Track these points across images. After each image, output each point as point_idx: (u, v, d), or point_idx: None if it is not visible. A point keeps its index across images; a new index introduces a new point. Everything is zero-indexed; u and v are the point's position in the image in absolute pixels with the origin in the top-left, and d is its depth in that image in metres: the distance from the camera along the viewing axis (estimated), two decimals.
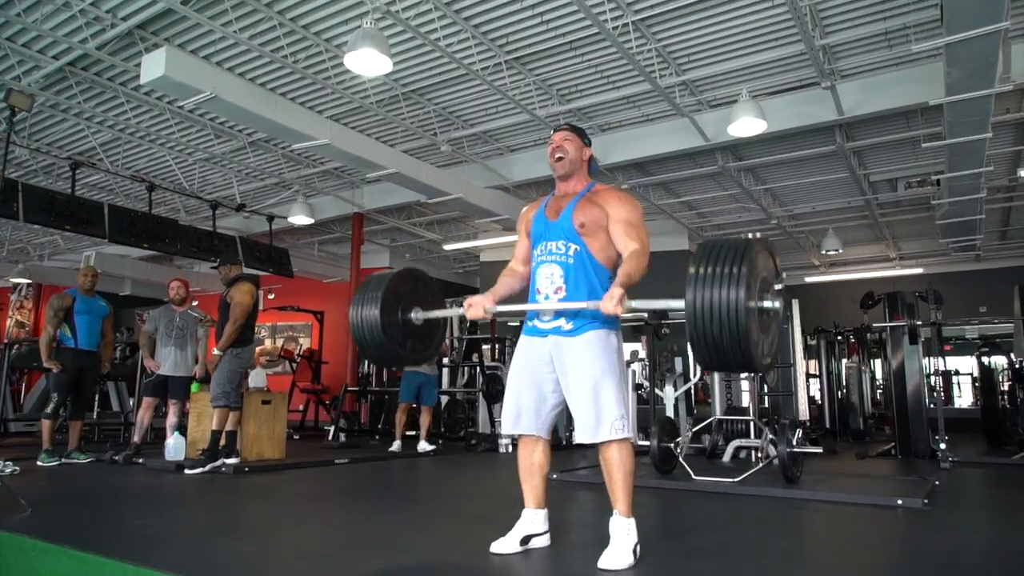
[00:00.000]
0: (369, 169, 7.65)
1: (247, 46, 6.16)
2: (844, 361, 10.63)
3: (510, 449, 7.44)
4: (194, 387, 6.04)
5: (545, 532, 2.61)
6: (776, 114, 7.06)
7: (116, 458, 5.65)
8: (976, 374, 11.82)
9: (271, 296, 13.31)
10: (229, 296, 5.30)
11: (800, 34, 5.85)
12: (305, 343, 13.93)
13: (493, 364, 9.25)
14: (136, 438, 5.94)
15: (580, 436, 2.44)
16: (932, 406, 6.60)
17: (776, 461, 4.34)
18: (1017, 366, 7.60)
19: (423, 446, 6.74)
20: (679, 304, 2.11)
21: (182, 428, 5.85)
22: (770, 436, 4.51)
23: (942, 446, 5.94)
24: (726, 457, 6.24)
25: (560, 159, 2.62)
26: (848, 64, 6.70)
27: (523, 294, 2.76)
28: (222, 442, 5.14)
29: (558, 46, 6.41)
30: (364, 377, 10.19)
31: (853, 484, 4.33)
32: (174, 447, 5.53)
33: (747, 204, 10.67)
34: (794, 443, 4.31)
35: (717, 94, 7.38)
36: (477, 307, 2.62)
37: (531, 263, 2.67)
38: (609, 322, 2.50)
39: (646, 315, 6.76)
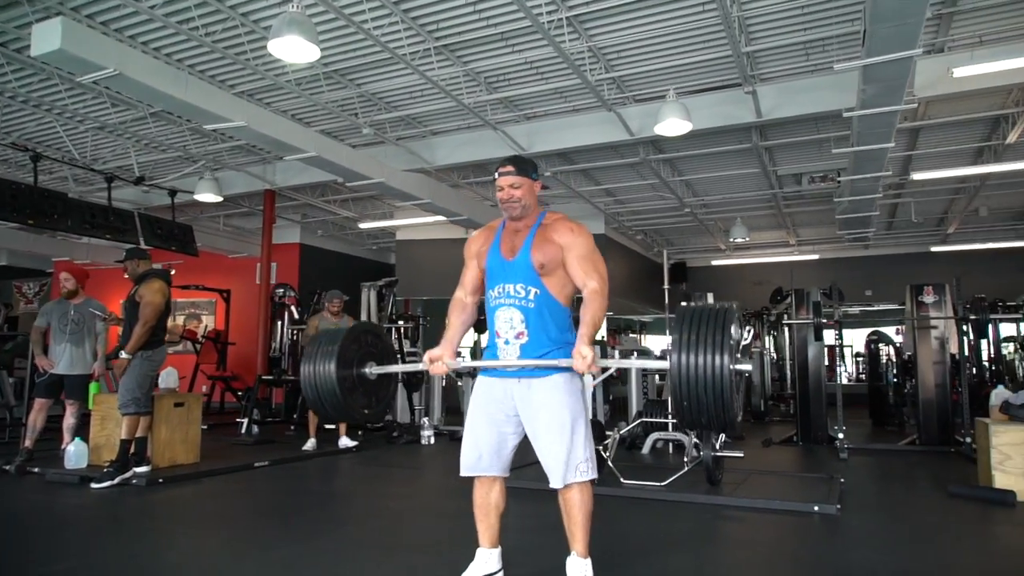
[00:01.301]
0: (286, 152, 7.25)
1: (150, 16, 5.66)
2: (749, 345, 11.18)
3: (432, 441, 7.40)
4: (93, 387, 5.63)
5: (499, 571, 2.60)
6: (698, 112, 7.20)
7: (7, 467, 5.20)
8: (860, 350, 12.82)
9: (172, 272, 12.51)
10: (138, 295, 4.92)
11: (728, 40, 5.97)
12: (208, 321, 13.27)
13: (412, 351, 9.15)
14: (28, 443, 5.50)
15: (553, 482, 2.44)
16: (830, 382, 7.09)
17: (688, 458, 4.62)
18: (905, 357, 8.23)
19: (344, 442, 6.59)
20: (660, 365, 2.16)
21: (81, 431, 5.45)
22: (695, 440, 4.69)
23: (840, 436, 6.38)
24: (645, 449, 6.48)
25: (514, 207, 2.52)
26: (767, 69, 6.93)
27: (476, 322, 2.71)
28: (131, 451, 4.82)
29: (489, 36, 6.25)
30: (276, 361, 9.82)
31: (770, 487, 4.59)
32: (75, 454, 5.14)
33: (663, 193, 10.94)
34: (718, 447, 4.50)
35: (643, 91, 7.46)
36: (439, 365, 2.53)
37: (486, 301, 2.61)
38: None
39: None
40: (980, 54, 5.88)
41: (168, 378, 5.54)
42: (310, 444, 6.44)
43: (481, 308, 2.70)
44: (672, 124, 6.61)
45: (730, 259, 15.35)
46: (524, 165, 2.56)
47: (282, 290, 10.10)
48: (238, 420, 7.53)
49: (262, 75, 6.74)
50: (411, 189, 9.01)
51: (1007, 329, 11.55)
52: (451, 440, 7.69)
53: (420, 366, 2.58)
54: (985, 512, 4.05)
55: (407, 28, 6.02)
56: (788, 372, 11.74)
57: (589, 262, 2.48)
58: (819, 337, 6.90)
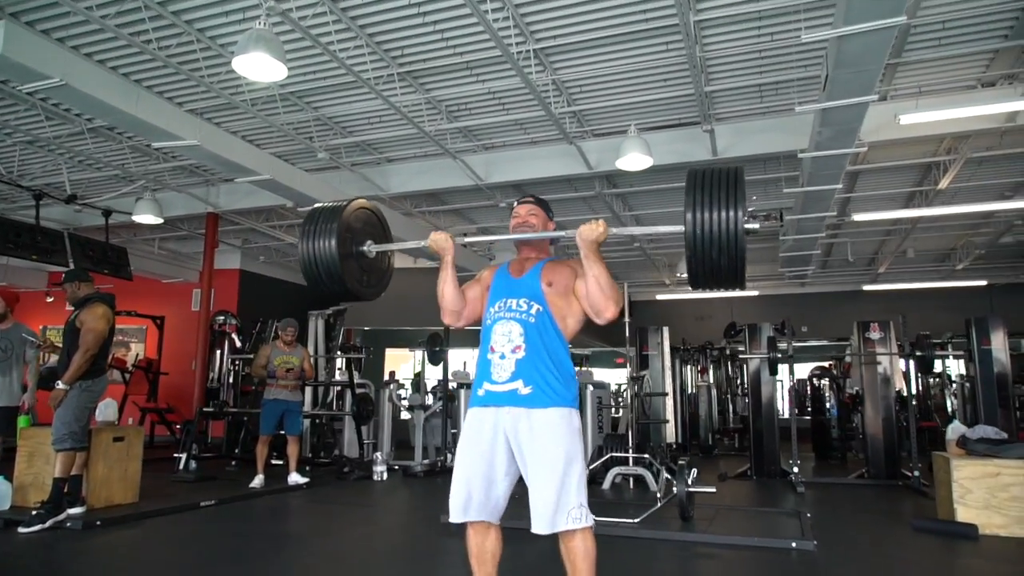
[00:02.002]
0: (239, 174, 6.99)
1: (100, 25, 5.36)
2: (695, 379, 11.34)
3: (384, 477, 7.12)
4: (22, 421, 5.17)
5: None
6: (655, 148, 7.29)
7: None
8: (794, 384, 13.22)
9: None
10: (79, 320, 4.56)
11: (692, 79, 6.12)
12: (137, 349, 12.55)
13: (361, 383, 8.86)
14: None
15: (536, 526, 2.30)
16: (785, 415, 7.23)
17: (660, 493, 4.55)
18: (853, 392, 8.47)
19: (295, 479, 6.24)
20: (673, 229, 2.25)
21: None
22: (666, 476, 4.64)
23: (795, 469, 6.47)
24: (606, 484, 6.40)
25: (523, 226, 2.60)
26: (722, 109, 7.12)
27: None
28: (65, 490, 4.41)
29: (455, 64, 6.21)
30: (214, 392, 9.31)
31: (742, 523, 4.57)
32: None
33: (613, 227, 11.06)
34: (690, 483, 4.46)
35: (602, 125, 7.55)
36: (444, 236, 2.57)
37: (483, 321, 2.55)
38: (570, 399, 2.40)
39: None
40: (924, 103, 6.20)
41: (107, 410, 5.15)
42: (258, 481, 6.08)
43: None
44: (633, 159, 6.69)
45: (674, 294, 15.62)
46: (543, 203, 2.68)
47: (222, 318, 9.65)
48: (175, 456, 7.06)
49: (217, 93, 6.47)
50: None
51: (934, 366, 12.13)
52: (404, 476, 7.43)
53: (424, 243, 2.63)
54: (950, 545, 4.13)
55: (371, 53, 5.92)
56: (731, 406, 11.99)
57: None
58: (774, 372, 7.03)
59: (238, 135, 7.58)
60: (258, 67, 4.72)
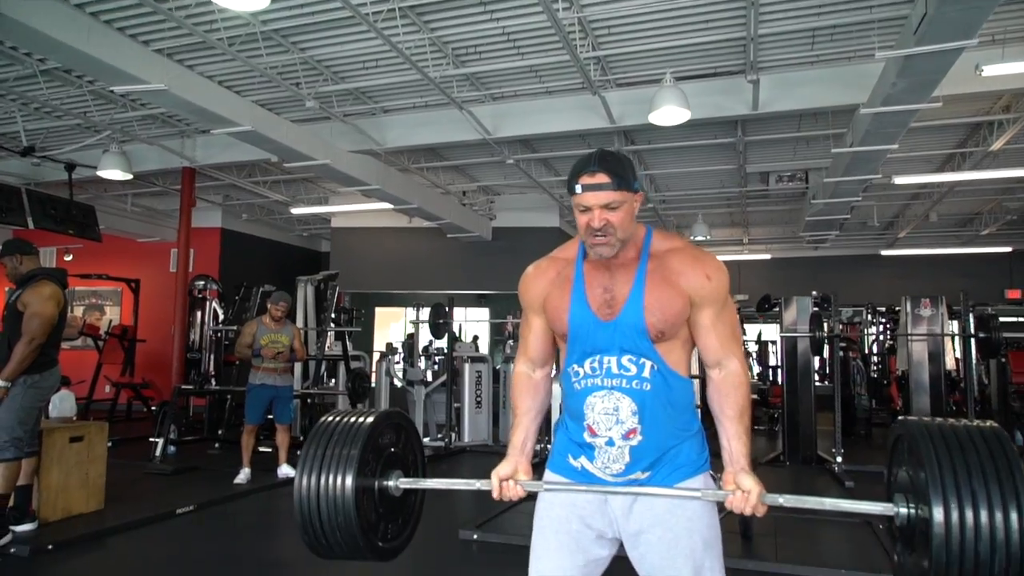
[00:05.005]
0: (215, 124, 6.10)
1: None
2: None
3: None
4: None
5: None
6: (688, 101, 6.53)
7: None
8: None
9: (68, 258, 10.96)
10: (22, 302, 3.76)
11: (743, 20, 5.29)
12: (112, 314, 11.72)
13: (355, 354, 8.16)
14: None
15: None
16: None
17: None
18: (898, 374, 7.87)
19: (285, 471, 5.53)
20: (881, 510, 1.37)
21: None
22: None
23: (839, 459, 5.90)
24: None
25: (608, 244, 1.61)
26: (764, 57, 6.28)
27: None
28: (9, 505, 3.69)
29: None
30: (194, 363, 8.55)
31: (816, 543, 3.96)
32: None
33: None
34: None
35: (628, 74, 6.71)
36: (512, 486, 1.67)
37: (565, 378, 1.71)
38: (702, 462, 1.69)
39: None
40: (1010, 52, 5.41)
41: (63, 404, 4.39)
42: (243, 476, 5.38)
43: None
44: (668, 112, 5.87)
45: None
46: (622, 170, 1.59)
47: (203, 283, 8.82)
48: (151, 440, 6.33)
49: (189, 29, 5.51)
50: (357, 173, 7.99)
51: None
52: None
53: (479, 484, 1.69)
54: None
55: None
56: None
57: (728, 325, 1.67)
58: (819, 352, 6.34)
59: (214, 80, 6.64)
60: None
